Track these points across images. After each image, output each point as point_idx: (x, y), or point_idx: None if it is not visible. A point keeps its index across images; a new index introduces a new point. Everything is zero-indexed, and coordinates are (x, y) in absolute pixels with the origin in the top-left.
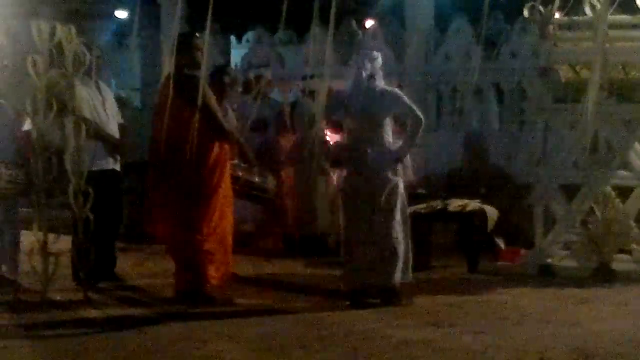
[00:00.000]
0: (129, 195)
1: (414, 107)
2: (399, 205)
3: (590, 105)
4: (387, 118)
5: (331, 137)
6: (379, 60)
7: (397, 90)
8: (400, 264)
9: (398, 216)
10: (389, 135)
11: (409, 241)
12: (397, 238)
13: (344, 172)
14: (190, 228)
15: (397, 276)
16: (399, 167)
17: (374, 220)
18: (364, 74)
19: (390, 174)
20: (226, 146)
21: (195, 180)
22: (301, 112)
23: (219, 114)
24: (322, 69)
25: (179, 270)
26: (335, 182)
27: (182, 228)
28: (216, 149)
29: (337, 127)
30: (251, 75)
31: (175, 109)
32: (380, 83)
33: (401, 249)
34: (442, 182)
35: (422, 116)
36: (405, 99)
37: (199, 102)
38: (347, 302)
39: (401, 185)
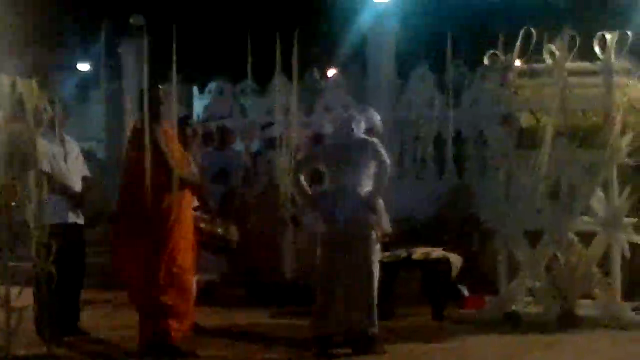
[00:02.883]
0: (97, 246)
1: (384, 152)
2: (373, 257)
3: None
4: (365, 168)
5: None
6: (373, 117)
7: (374, 139)
8: (376, 312)
9: (373, 266)
10: (368, 186)
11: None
12: (372, 285)
13: (321, 220)
14: (147, 280)
15: (376, 325)
16: (373, 217)
17: (350, 269)
18: (345, 127)
19: (364, 224)
20: (185, 197)
21: (150, 231)
22: (264, 162)
23: (170, 160)
24: (284, 118)
25: (141, 322)
26: (307, 230)
27: (140, 279)
28: (169, 198)
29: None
30: (212, 126)
31: (134, 159)
32: (360, 133)
33: (375, 297)
34: (405, 230)
35: (387, 160)
36: (379, 146)
37: (153, 150)
38: (313, 352)
39: (373, 236)
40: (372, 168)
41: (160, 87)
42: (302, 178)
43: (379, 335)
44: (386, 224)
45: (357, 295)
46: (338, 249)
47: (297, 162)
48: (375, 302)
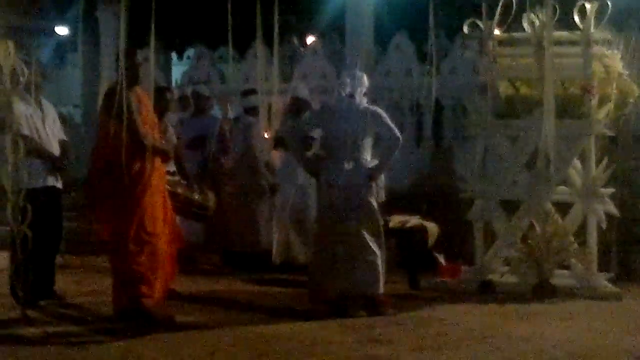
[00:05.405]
0: (71, 211)
1: (392, 126)
2: (371, 222)
3: (547, 123)
4: (367, 137)
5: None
6: (363, 79)
7: (378, 109)
8: (381, 275)
9: (371, 231)
10: (367, 154)
11: (384, 254)
12: (373, 250)
13: (319, 186)
14: (117, 245)
15: (381, 287)
16: (373, 185)
17: (349, 234)
18: (344, 92)
19: (363, 192)
20: (151, 163)
21: (119, 197)
22: (242, 129)
23: (140, 128)
24: (263, 85)
25: (115, 287)
26: (283, 197)
27: (111, 245)
28: (136, 164)
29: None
30: (188, 90)
31: (107, 123)
32: (362, 102)
33: (379, 260)
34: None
35: (399, 136)
36: (386, 118)
37: (122, 115)
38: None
39: (374, 203)
40: (372, 135)
41: (138, 50)
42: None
43: (385, 297)
44: (381, 193)
45: (356, 258)
46: (337, 215)
47: (292, 127)
48: (377, 264)
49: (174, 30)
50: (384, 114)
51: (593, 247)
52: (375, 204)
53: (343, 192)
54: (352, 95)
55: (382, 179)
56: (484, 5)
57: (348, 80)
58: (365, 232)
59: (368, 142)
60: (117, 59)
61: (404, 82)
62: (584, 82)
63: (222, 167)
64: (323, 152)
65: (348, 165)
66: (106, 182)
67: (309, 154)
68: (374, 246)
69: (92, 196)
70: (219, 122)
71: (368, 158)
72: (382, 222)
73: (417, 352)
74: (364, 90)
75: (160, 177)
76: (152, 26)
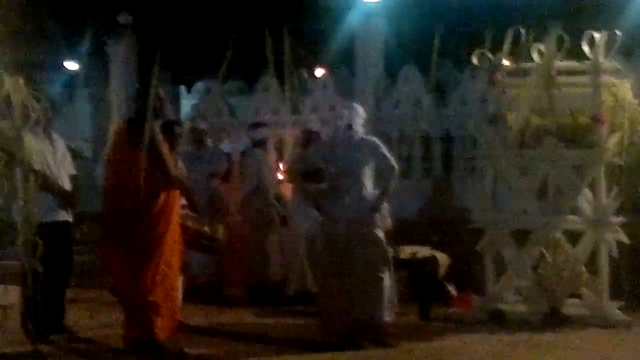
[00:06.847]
0: (82, 245)
1: (389, 156)
2: (378, 252)
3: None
4: (366, 167)
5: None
6: (359, 110)
7: (375, 139)
8: (388, 306)
9: (377, 261)
10: (368, 185)
11: (392, 284)
12: (380, 281)
13: (321, 219)
14: (136, 278)
15: (388, 316)
16: (377, 216)
17: (354, 266)
18: (342, 124)
19: (367, 224)
20: (173, 197)
21: (140, 230)
22: (250, 162)
23: (169, 162)
24: (273, 117)
25: (128, 320)
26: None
27: (128, 278)
28: (161, 199)
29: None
30: (187, 125)
31: (125, 158)
32: (359, 132)
33: (385, 291)
34: (392, 228)
35: (395, 165)
36: (382, 148)
37: (151, 150)
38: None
39: (380, 234)
40: (371, 166)
41: (155, 85)
42: (301, 177)
43: (388, 328)
44: (387, 222)
45: (360, 289)
46: (340, 247)
47: (296, 161)
48: (381, 293)
49: (183, 64)
50: (379, 144)
51: (604, 275)
52: (380, 234)
53: (346, 225)
54: (350, 127)
55: (385, 207)
56: (490, 36)
57: (345, 112)
58: (370, 264)
59: (368, 172)
60: (137, 94)
61: (413, 113)
62: (594, 111)
63: (231, 200)
64: (326, 184)
65: (350, 198)
66: (125, 217)
67: (320, 186)
68: (380, 276)
69: (108, 231)
70: (220, 154)
71: (369, 188)
72: (388, 252)
73: None
74: (361, 121)
75: (178, 210)
76: (157, 59)
